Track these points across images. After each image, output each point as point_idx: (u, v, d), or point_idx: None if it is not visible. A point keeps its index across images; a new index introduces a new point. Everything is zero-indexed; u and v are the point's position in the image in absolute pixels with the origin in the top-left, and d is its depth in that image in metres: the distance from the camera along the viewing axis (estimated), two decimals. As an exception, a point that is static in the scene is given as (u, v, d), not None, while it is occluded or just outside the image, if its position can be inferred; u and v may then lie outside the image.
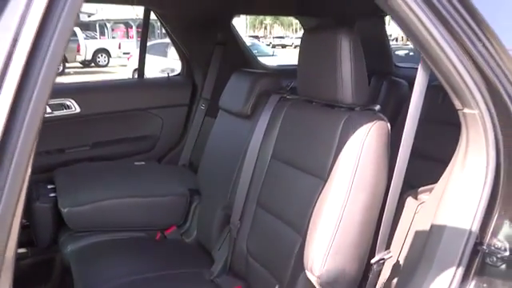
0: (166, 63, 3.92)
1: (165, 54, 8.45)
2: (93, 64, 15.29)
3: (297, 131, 1.39)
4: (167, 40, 3.74)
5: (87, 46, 14.74)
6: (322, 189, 1.19)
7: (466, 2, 0.90)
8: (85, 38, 14.96)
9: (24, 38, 0.54)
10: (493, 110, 0.97)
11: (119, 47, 15.38)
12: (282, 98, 1.52)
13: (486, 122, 0.97)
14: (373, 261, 1.11)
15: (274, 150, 1.46)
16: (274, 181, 1.43)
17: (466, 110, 0.99)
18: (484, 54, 0.93)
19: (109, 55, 15.71)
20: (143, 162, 2.23)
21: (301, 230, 1.23)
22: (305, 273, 1.16)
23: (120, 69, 13.65)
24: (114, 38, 17.93)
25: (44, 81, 0.56)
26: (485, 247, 1.02)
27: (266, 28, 20.36)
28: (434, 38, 0.91)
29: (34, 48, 0.55)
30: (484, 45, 0.93)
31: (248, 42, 12.97)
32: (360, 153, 1.13)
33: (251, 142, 1.54)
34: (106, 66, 15.39)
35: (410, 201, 1.24)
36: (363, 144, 1.13)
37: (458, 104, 1.00)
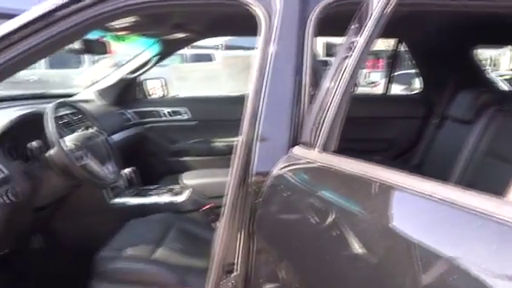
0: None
1: (409, 84, 8.71)
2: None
3: (508, 135, 1.83)
4: (412, 71, 4.37)
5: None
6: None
7: None
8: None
9: None
10: None
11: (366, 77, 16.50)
12: (497, 109, 1.98)
13: None
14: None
15: (488, 149, 1.93)
16: (486, 173, 1.89)
17: None
18: None
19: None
20: (379, 157, 2.92)
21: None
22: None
23: (364, 97, 14.68)
24: (362, 68, 19.18)
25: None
26: None
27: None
28: None
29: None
30: None
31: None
32: None
33: (469, 142, 2.04)
34: (355, 94, 16.68)
35: None
36: None
37: None
